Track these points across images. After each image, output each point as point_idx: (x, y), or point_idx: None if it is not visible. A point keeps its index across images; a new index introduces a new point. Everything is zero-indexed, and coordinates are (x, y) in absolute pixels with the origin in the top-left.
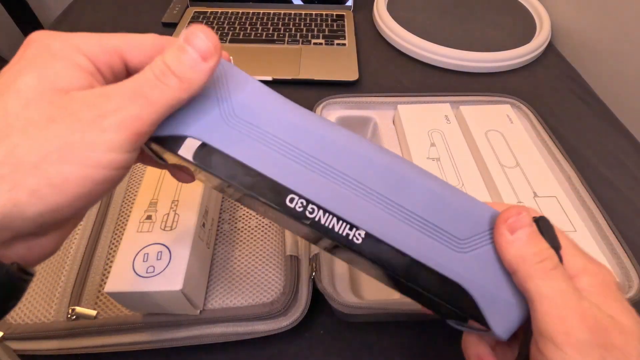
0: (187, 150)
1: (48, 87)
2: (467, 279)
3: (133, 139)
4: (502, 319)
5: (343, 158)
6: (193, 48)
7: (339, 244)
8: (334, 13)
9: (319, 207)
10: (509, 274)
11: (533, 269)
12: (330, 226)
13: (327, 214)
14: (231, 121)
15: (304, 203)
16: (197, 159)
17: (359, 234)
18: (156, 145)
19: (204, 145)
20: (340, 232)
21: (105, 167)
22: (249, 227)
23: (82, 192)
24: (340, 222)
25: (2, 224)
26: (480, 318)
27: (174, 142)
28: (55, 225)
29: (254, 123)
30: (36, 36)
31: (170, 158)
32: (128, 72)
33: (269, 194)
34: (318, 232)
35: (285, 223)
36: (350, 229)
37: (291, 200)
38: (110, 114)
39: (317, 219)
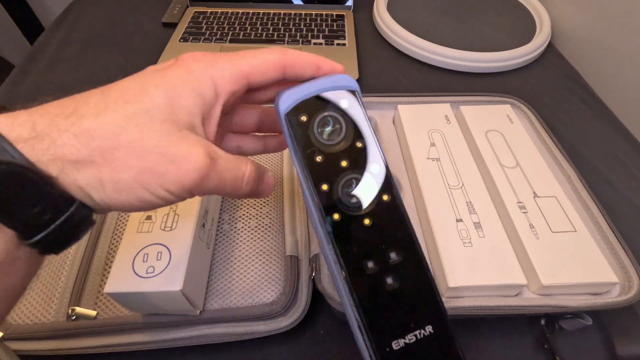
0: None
1: (167, 116)
2: None
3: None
4: None
5: None
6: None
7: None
8: (334, 13)
9: None
10: None
11: None
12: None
13: None
14: None
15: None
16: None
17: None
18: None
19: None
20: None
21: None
22: (249, 227)
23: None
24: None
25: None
26: None
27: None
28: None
29: None
30: (186, 57)
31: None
32: (249, 89)
33: None
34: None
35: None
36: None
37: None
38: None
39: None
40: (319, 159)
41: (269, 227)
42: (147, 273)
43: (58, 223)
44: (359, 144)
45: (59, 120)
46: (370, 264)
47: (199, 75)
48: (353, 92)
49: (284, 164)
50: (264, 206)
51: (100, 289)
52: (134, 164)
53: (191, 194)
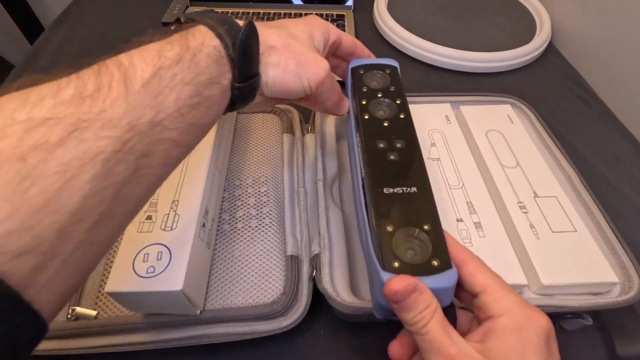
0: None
1: (304, 35)
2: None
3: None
4: None
5: None
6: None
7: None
8: (334, 13)
9: None
10: None
11: (412, 329)
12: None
13: None
14: None
15: None
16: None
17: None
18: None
19: None
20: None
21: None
22: (249, 227)
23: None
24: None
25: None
26: None
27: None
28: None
29: None
30: (315, 16)
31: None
32: (338, 48)
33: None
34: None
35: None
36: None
37: None
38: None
39: None
40: (364, 89)
41: (270, 227)
42: (147, 273)
43: (249, 82)
44: (391, 88)
45: (263, 26)
46: (381, 144)
47: (323, 24)
48: (394, 67)
49: (285, 167)
50: (265, 206)
51: (101, 289)
52: (295, 57)
53: (317, 89)
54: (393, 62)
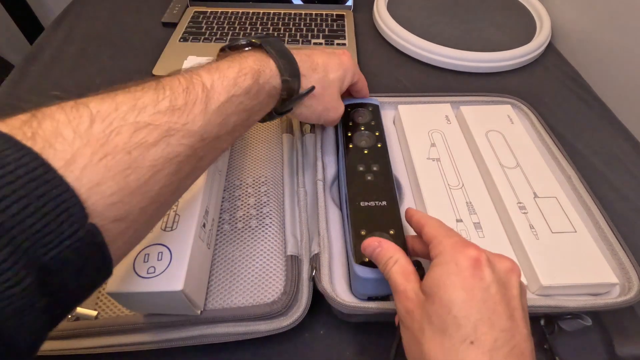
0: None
1: (338, 83)
2: None
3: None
4: None
5: None
6: None
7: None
8: (334, 13)
9: None
10: None
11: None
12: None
13: None
14: None
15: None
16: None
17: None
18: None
19: None
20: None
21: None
22: (249, 227)
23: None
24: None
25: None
26: None
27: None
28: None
29: None
30: (348, 54)
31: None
32: (352, 85)
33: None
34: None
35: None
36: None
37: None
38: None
39: None
40: (350, 124)
41: (270, 227)
42: (148, 273)
43: (285, 113)
44: (372, 122)
45: (313, 72)
46: (360, 168)
47: (353, 69)
48: (376, 105)
49: (284, 167)
50: (265, 206)
51: (101, 289)
52: (324, 104)
53: (327, 125)
54: (375, 101)
